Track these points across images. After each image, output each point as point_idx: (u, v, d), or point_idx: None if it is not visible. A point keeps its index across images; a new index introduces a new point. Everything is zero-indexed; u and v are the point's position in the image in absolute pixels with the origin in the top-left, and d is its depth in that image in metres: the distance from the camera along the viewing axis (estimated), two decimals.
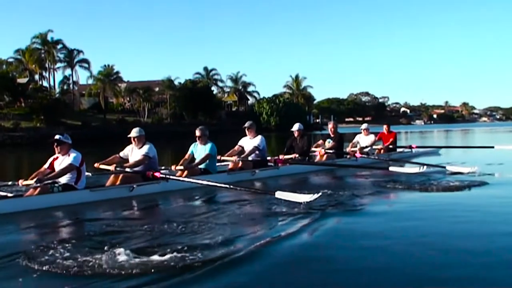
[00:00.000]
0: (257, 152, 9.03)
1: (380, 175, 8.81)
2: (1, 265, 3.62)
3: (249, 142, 9.24)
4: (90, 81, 61.94)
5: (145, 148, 7.32)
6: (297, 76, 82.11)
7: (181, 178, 7.12)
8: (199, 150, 8.30)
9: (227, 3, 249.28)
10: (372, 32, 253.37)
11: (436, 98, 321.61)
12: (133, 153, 7.43)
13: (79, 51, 60.47)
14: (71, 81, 62.85)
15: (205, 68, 72.93)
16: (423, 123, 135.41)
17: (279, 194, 5.49)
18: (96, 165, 7.25)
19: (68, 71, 61.70)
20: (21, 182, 6.13)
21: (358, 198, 6.35)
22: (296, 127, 10.23)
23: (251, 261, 3.58)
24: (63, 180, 6.33)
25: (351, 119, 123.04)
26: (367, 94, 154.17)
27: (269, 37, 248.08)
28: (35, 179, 6.02)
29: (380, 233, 4.47)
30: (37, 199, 6.04)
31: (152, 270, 3.32)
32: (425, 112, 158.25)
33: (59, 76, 70.61)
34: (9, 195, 6.21)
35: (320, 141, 11.19)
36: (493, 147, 12.17)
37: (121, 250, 3.66)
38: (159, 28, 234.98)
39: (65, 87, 63.49)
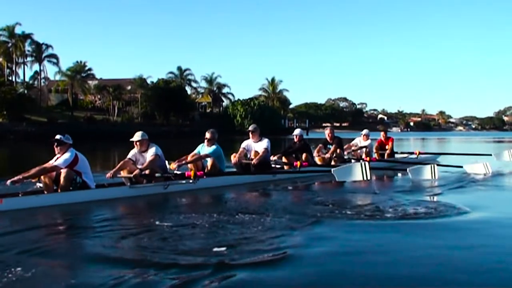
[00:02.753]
0: (266, 154, 9.46)
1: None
2: (57, 253, 3.96)
3: (256, 145, 9.60)
4: (58, 77, 60.89)
5: (152, 149, 7.38)
6: (273, 79, 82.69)
7: (222, 172, 7.83)
8: (205, 151, 8.52)
9: (203, 3, 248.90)
10: (351, 38, 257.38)
11: (413, 106, 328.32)
12: (141, 157, 7.46)
13: (48, 46, 59.43)
14: (42, 76, 61.88)
15: (179, 68, 72.79)
16: (399, 131, 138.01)
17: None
18: (108, 176, 7.07)
19: (36, 66, 60.73)
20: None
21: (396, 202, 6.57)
22: (296, 132, 10.75)
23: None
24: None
25: (328, 124, 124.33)
26: (345, 99, 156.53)
27: (246, 39, 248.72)
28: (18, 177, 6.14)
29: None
30: (79, 194, 6.49)
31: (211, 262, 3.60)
32: (402, 120, 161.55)
33: (31, 71, 68.88)
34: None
35: (320, 146, 11.42)
36: (490, 155, 12.77)
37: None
38: (134, 26, 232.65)
39: (36, 82, 62.30)
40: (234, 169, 9.36)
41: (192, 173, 7.39)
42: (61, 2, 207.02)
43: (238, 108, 68.65)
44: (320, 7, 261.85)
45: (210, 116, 71.89)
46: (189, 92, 73.83)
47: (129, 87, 63.65)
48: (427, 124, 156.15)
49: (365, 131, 12.87)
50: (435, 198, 7.05)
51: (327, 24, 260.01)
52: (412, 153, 13.83)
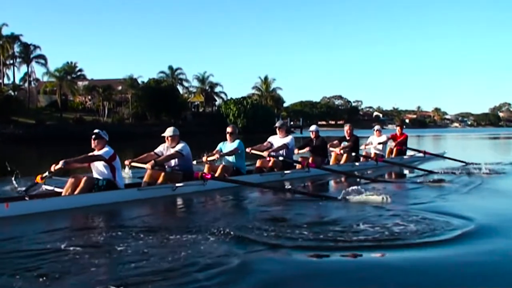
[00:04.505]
0: (286, 150, 9.61)
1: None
2: (67, 261, 3.80)
3: (280, 140, 9.84)
4: (46, 78, 60.53)
5: (179, 146, 7.72)
6: (266, 78, 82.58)
7: (225, 179, 7.84)
8: (228, 147, 8.82)
9: (194, 2, 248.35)
10: (346, 36, 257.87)
11: (408, 103, 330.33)
12: (167, 152, 7.79)
13: (36, 47, 59.03)
14: (32, 77, 61.59)
15: (170, 67, 72.58)
16: (395, 127, 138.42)
17: (355, 199, 6.39)
18: (127, 162, 7.52)
19: (24, 67, 60.47)
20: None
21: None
22: (312, 128, 11.09)
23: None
24: (102, 177, 6.76)
25: (324, 122, 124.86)
26: (340, 97, 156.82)
27: (239, 38, 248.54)
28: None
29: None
30: (88, 197, 6.46)
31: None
32: (397, 117, 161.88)
33: (19, 72, 68.42)
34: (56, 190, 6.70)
35: (336, 142, 11.79)
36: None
37: None
38: (124, 26, 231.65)
39: (26, 84, 61.90)
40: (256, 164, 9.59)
41: (199, 174, 7.45)
42: (52, 2, 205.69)
43: (231, 107, 68.55)
44: (314, 5, 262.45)
45: (202, 116, 71.78)
46: (181, 91, 73.82)
47: (119, 88, 63.43)
48: (423, 121, 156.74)
49: (377, 127, 13.22)
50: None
51: (321, 22, 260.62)
52: (419, 151, 14.21)
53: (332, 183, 9.47)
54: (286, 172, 9.38)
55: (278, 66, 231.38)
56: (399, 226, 4.95)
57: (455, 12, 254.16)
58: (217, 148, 8.90)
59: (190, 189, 7.49)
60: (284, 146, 9.56)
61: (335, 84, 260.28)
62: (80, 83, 62.44)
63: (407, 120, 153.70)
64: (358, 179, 9.23)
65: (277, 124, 10.09)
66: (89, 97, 63.25)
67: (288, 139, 9.74)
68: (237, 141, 8.73)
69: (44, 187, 6.73)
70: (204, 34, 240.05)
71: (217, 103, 78.56)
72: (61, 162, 6.29)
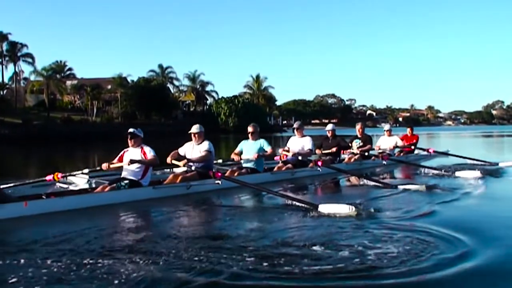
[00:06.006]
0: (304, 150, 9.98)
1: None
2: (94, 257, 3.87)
3: (299, 141, 10.15)
4: (33, 77, 60.06)
5: (206, 144, 8.06)
6: (257, 76, 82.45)
7: (235, 178, 7.97)
8: (250, 146, 9.09)
9: (185, 0, 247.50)
10: (339, 34, 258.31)
11: (402, 101, 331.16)
12: (194, 149, 8.12)
13: (23, 45, 58.62)
14: (21, 76, 61.17)
15: (160, 66, 72.33)
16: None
17: (322, 208, 5.80)
18: (169, 160, 7.99)
19: (11, 66, 60.00)
20: (106, 165, 7.08)
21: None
22: (329, 127, 11.37)
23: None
24: (129, 176, 7.07)
25: (317, 121, 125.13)
26: (333, 96, 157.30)
27: (230, 36, 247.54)
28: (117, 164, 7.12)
29: None
30: (107, 195, 6.68)
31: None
32: (391, 115, 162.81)
33: (7, 71, 68.04)
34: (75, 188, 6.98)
35: (347, 140, 11.93)
36: (497, 164, 11.70)
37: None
38: (115, 24, 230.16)
39: (15, 83, 61.42)
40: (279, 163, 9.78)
41: (212, 173, 7.60)
42: (42, 1, 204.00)
43: (222, 106, 68.48)
44: (306, 4, 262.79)
45: (193, 115, 71.57)
46: (172, 90, 73.61)
47: (109, 87, 63.11)
48: (416, 119, 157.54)
49: (387, 127, 13.64)
50: None
51: (314, 21, 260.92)
52: (425, 149, 14.35)
53: (323, 183, 9.34)
54: (296, 170, 9.53)
55: (271, 65, 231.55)
56: (374, 249, 4.05)
57: (447, 10, 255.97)
58: (238, 147, 9.22)
59: (206, 188, 7.66)
60: (310, 152, 9.99)
61: (329, 82, 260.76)
62: (68, 82, 62.03)
63: (400, 119, 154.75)
64: (365, 180, 9.03)
65: (295, 125, 10.31)
66: (78, 96, 62.87)
67: (308, 141, 10.04)
68: (262, 140, 9.08)
69: (58, 185, 7.02)
70: (195, 33, 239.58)
71: (208, 102, 78.45)
72: (126, 162, 6.94)
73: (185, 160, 7.80)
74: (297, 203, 6.30)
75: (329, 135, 11.19)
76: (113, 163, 7.28)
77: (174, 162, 7.96)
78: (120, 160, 7.24)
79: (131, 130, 7.32)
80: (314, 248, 4.13)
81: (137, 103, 60.98)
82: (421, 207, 6.13)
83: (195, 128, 8.11)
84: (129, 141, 7.30)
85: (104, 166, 7.17)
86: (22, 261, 3.79)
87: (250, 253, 3.96)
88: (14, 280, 3.37)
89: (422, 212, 5.79)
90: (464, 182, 8.60)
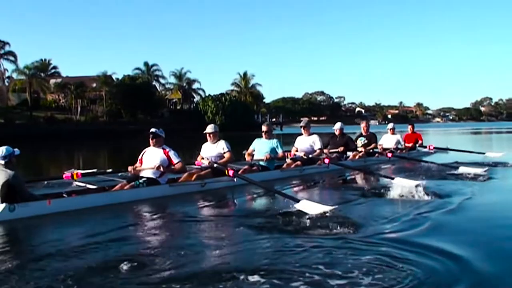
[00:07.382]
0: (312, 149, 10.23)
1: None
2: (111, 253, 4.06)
3: (307, 140, 10.36)
4: (15, 75, 59.37)
5: (223, 143, 8.31)
6: (245, 74, 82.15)
7: (248, 177, 7.94)
8: (263, 144, 9.34)
9: None
10: (328, 32, 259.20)
11: (390, 99, 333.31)
12: (209, 148, 8.40)
13: (5, 43, 57.54)
14: (4, 75, 60.08)
15: (146, 63, 71.56)
16: (377, 123, 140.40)
17: (299, 205, 5.51)
18: (198, 160, 8.42)
19: None
20: (131, 168, 7.30)
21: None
22: (338, 125, 11.56)
23: None
24: (148, 175, 7.17)
25: (306, 119, 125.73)
26: (322, 93, 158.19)
27: (217, 34, 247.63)
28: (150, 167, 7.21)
29: None
30: (127, 193, 6.88)
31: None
32: (379, 112, 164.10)
33: None
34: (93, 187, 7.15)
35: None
36: (484, 153, 13.20)
37: None
38: (99, 22, 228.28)
39: None
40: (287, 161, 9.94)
41: (226, 171, 7.72)
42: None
43: (209, 104, 68.24)
44: (294, 2, 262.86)
45: (180, 113, 71.27)
46: (158, 88, 73.18)
47: (94, 85, 62.54)
48: (405, 116, 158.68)
49: (390, 125, 13.89)
50: None
51: (302, 18, 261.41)
52: (426, 146, 14.84)
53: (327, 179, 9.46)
54: (304, 167, 9.73)
55: (259, 63, 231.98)
56: (345, 271, 3.42)
57: (435, 8, 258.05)
58: (252, 145, 9.43)
59: (220, 185, 7.89)
60: (320, 152, 10.16)
61: (317, 80, 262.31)
62: (52, 81, 61.36)
63: (389, 116, 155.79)
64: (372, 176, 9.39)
65: (301, 124, 10.49)
66: (62, 95, 62.24)
67: (317, 139, 10.25)
68: (275, 140, 9.33)
69: (75, 183, 7.25)
70: (181, 31, 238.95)
71: (195, 100, 78.19)
72: (153, 166, 7.14)
73: (209, 160, 8.09)
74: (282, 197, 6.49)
75: (337, 133, 11.44)
76: (137, 167, 7.37)
77: (202, 161, 8.30)
78: (141, 161, 7.40)
79: (153, 130, 7.44)
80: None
81: (123, 102, 60.42)
82: (410, 214, 5.48)
83: (210, 128, 8.39)
84: (150, 141, 7.42)
85: (130, 169, 7.34)
86: (51, 258, 3.92)
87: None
88: (43, 276, 3.46)
89: (407, 223, 5.06)
90: (467, 178, 8.64)
